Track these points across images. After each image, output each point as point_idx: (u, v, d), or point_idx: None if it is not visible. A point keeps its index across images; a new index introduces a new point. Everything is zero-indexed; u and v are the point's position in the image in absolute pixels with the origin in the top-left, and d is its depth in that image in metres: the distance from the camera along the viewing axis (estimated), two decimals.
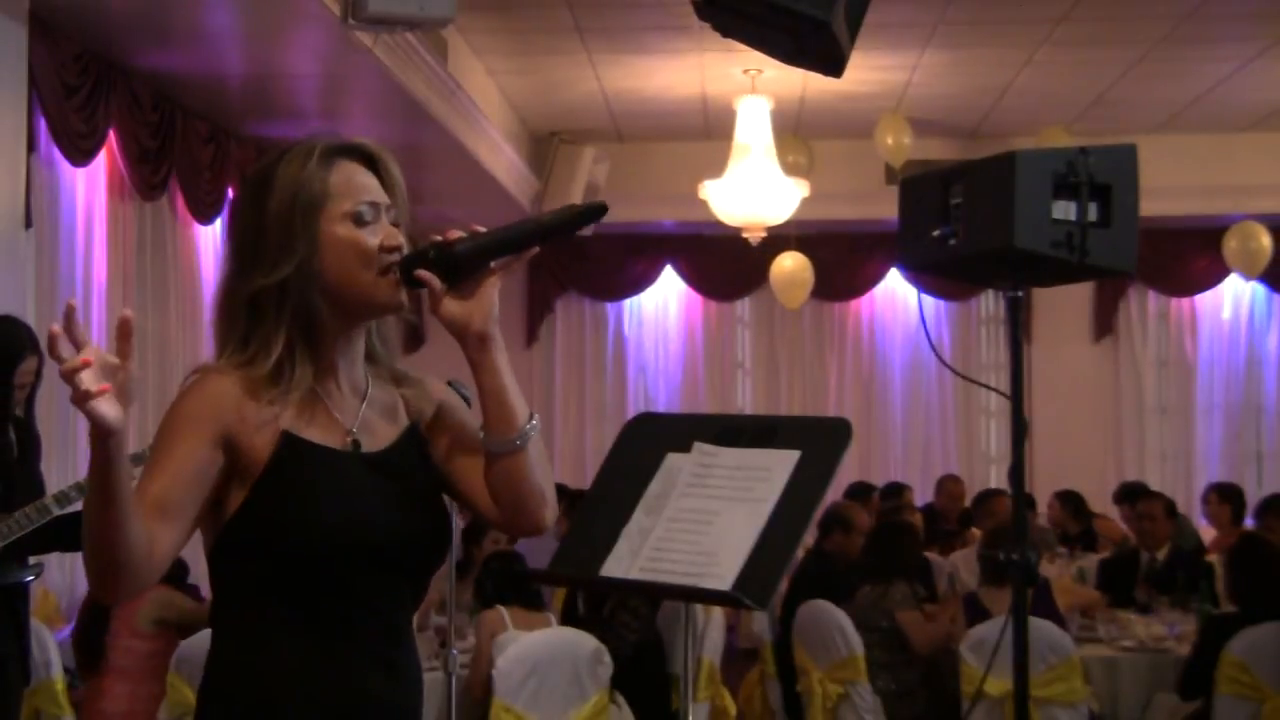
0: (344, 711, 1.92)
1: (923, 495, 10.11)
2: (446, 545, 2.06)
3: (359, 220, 1.95)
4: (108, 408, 1.67)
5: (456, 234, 1.95)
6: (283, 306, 1.92)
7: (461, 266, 1.93)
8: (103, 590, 1.84)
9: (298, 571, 1.90)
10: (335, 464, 1.94)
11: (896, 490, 9.35)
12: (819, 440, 2.03)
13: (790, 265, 9.82)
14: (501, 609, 5.01)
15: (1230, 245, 9.72)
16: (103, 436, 1.69)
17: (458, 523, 4.56)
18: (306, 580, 1.91)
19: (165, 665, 5.11)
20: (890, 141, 8.88)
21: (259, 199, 1.94)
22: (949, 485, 9.79)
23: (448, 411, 2.09)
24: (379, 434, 2.01)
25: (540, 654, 4.67)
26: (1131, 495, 8.30)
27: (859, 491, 8.65)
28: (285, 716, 1.90)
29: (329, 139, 1.99)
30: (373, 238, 1.95)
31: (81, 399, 1.65)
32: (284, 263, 1.91)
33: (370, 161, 2.00)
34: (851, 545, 6.60)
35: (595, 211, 2.00)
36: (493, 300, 1.95)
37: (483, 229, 1.96)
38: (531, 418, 1.99)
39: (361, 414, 2.00)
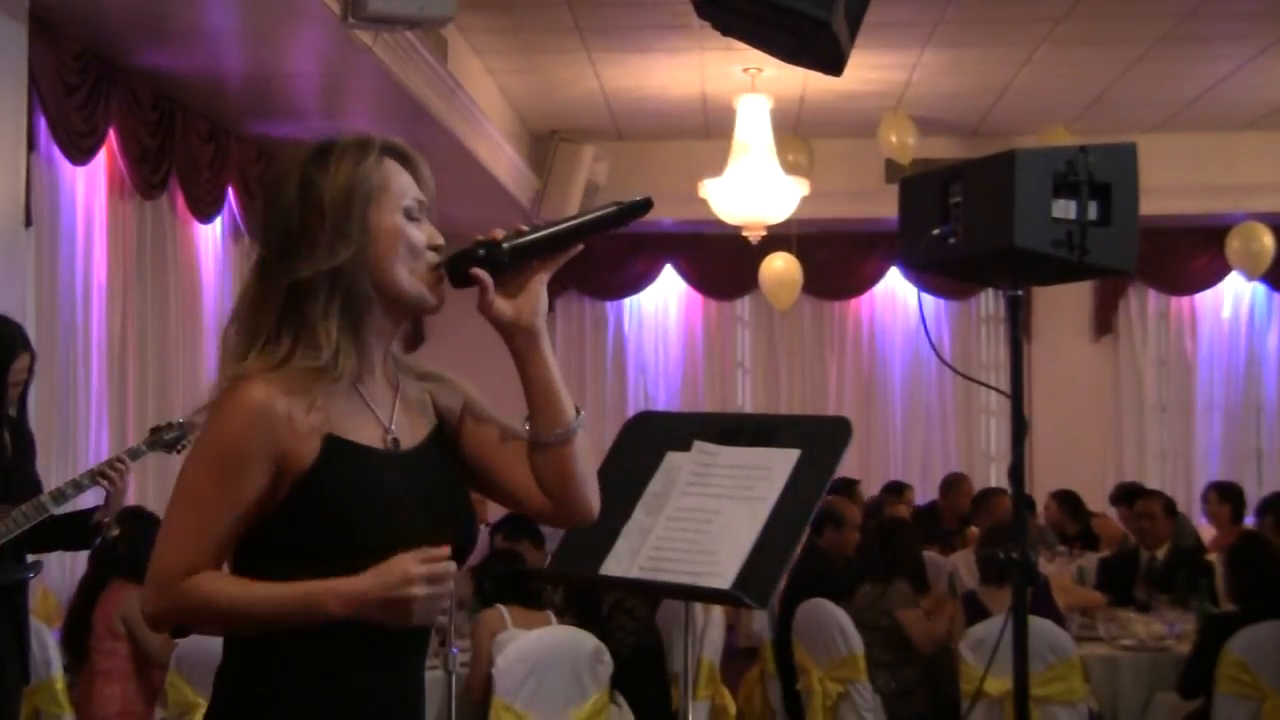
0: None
1: (922, 495, 10.11)
2: (474, 545, 2.06)
3: (409, 215, 1.97)
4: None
5: (501, 232, 1.96)
6: (333, 295, 1.91)
7: (509, 264, 1.95)
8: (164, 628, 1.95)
9: (329, 574, 1.87)
10: (375, 466, 1.94)
11: (897, 490, 9.34)
12: (819, 439, 2.03)
13: (780, 266, 9.81)
14: (501, 608, 5.01)
15: (1233, 245, 9.72)
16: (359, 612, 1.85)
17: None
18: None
19: (149, 662, 5.12)
20: (894, 139, 8.88)
21: (309, 188, 1.93)
22: (960, 484, 9.64)
23: (477, 407, 2.10)
24: (413, 430, 2.02)
25: (540, 653, 4.66)
26: (1129, 496, 8.30)
27: (842, 487, 8.54)
28: None
29: (380, 137, 2.01)
30: (420, 233, 1.97)
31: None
32: (341, 249, 1.90)
33: (407, 162, 2.03)
34: (845, 541, 6.61)
35: (640, 207, 2.00)
36: (541, 296, 1.98)
37: (525, 226, 1.98)
38: (579, 410, 2.02)
39: (396, 410, 2.01)
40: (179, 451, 4.38)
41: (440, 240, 1.99)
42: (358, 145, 1.97)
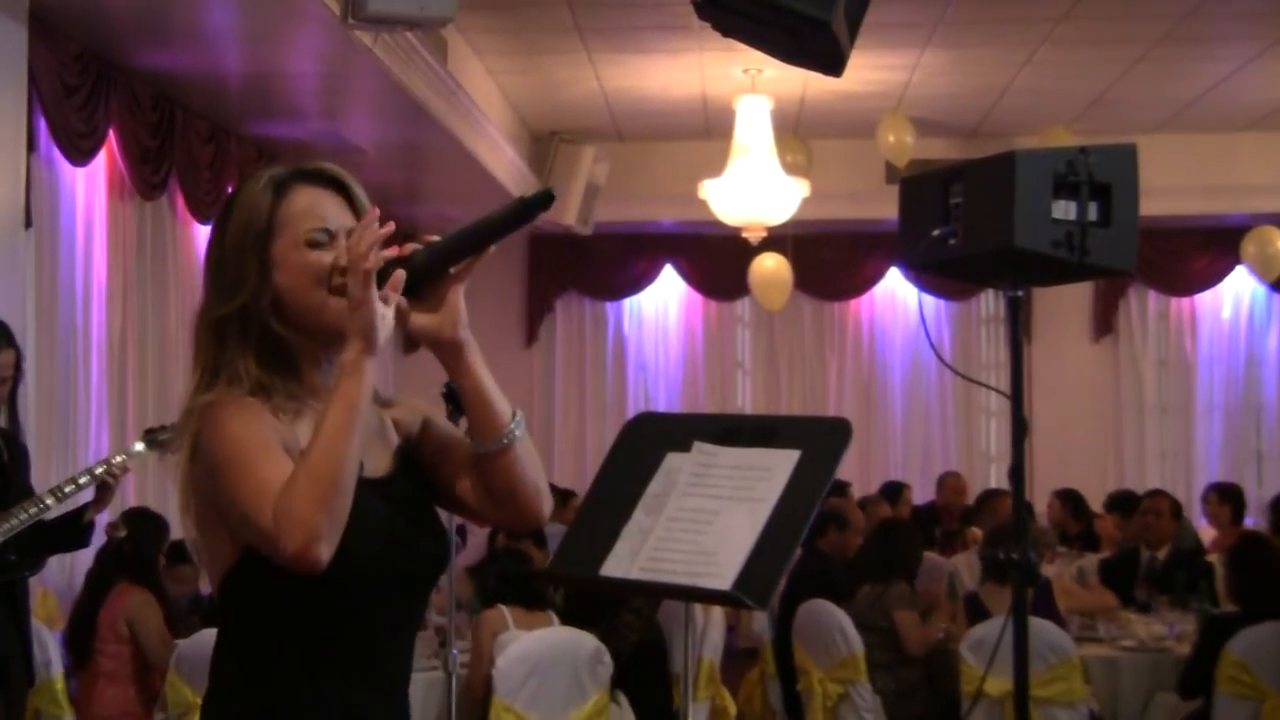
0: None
1: (922, 495, 10.11)
2: (445, 567, 2.07)
3: (314, 245, 1.94)
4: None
5: (411, 247, 1.92)
6: (246, 333, 1.93)
7: (421, 279, 1.91)
8: (326, 547, 1.76)
9: (320, 604, 1.88)
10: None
11: (896, 490, 9.32)
12: (819, 440, 2.03)
13: (770, 266, 9.80)
14: (503, 608, 5.01)
15: (1248, 249, 9.67)
16: (373, 346, 1.82)
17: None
18: (328, 613, 1.90)
19: (150, 665, 5.12)
20: (892, 140, 8.88)
21: (220, 228, 1.97)
22: (950, 481, 9.75)
23: (433, 424, 2.10)
24: (376, 458, 2.00)
25: (540, 654, 4.66)
26: (1123, 504, 8.29)
27: (834, 489, 8.49)
28: None
29: (288, 166, 2.00)
30: (328, 258, 1.94)
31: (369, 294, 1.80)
32: (239, 291, 1.92)
33: (330, 184, 2.00)
34: (847, 542, 6.60)
35: (543, 200, 1.95)
36: (459, 306, 1.94)
37: (436, 238, 1.94)
38: (515, 414, 1.99)
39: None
40: (174, 452, 4.39)
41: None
42: (252, 180, 1.98)
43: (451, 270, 1.94)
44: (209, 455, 1.86)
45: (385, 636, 1.97)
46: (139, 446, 4.35)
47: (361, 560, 1.87)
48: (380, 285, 1.86)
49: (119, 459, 4.25)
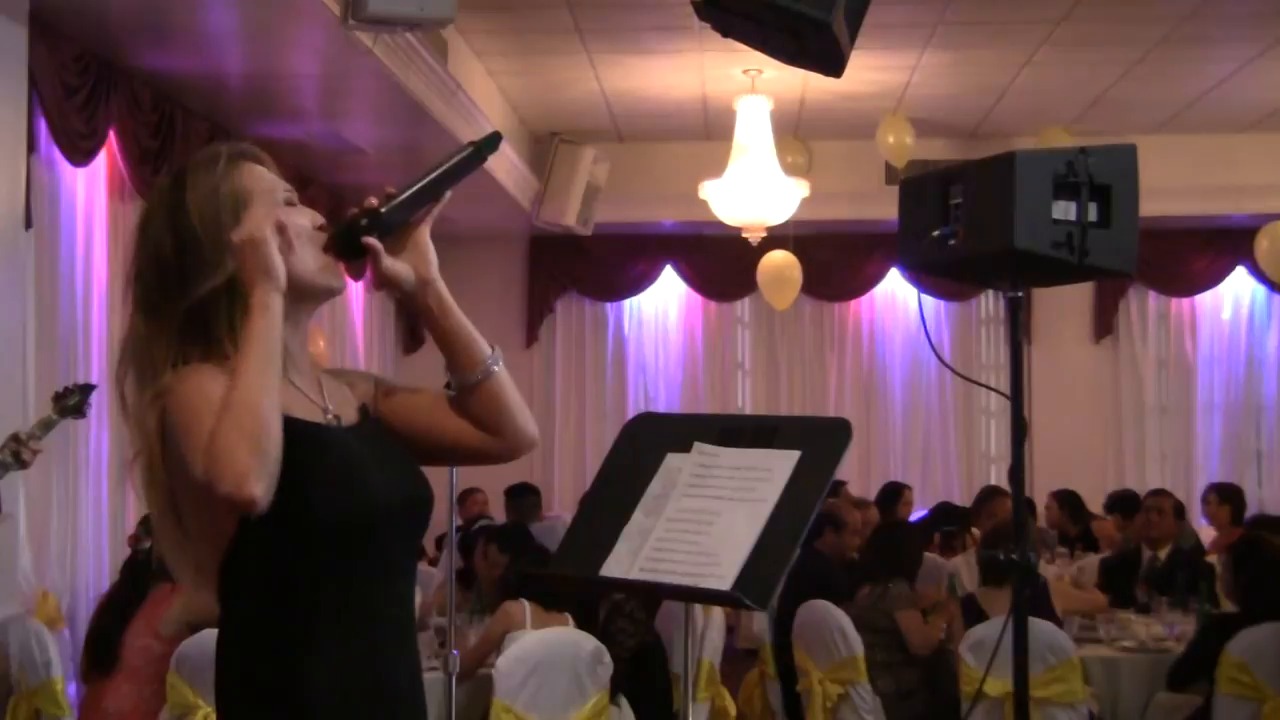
0: (385, 710, 1.97)
1: (921, 496, 10.10)
2: (433, 504, 2.10)
3: (288, 204, 2.02)
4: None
5: (374, 200, 1.99)
6: (233, 305, 1.94)
7: (394, 227, 1.99)
8: (258, 483, 1.76)
9: (331, 552, 1.91)
10: (336, 439, 1.98)
11: (895, 491, 9.29)
12: (819, 440, 2.03)
13: (779, 261, 9.77)
14: (525, 602, 5.03)
15: (1262, 245, 9.63)
16: (277, 283, 1.87)
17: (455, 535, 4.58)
18: (339, 559, 1.92)
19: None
20: (892, 141, 8.88)
21: (174, 214, 1.98)
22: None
23: (386, 383, 2.15)
24: (346, 411, 2.06)
25: (540, 654, 4.66)
26: (1125, 504, 8.28)
27: (831, 488, 8.41)
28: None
29: (226, 145, 2.06)
30: (305, 219, 2.01)
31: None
32: (228, 260, 1.93)
33: (261, 161, 2.07)
34: (844, 543, 6.60)
35: (492, 143, 2.06)
36: (429, 247, 2.03)
37: (393, 188, 2.01)
38: (493, 347, 2.07)
39: (325, 395, 2.05)
40: (83, 416, 4.42)
41: (322, 220, 2.03)
42: (206, 159, 2.02)
43: (412, 218, 2.02)
44: (172, 427, 1.88)
45: (391, 581, 2.01)
46: (54, 416, 4.33)
47: (361, 501, 1.93)
48: (354, 238, 1.96)
49: (35, 437, 4.23)
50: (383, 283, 2.01)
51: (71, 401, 4.31)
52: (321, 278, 2.00)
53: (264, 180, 2.02)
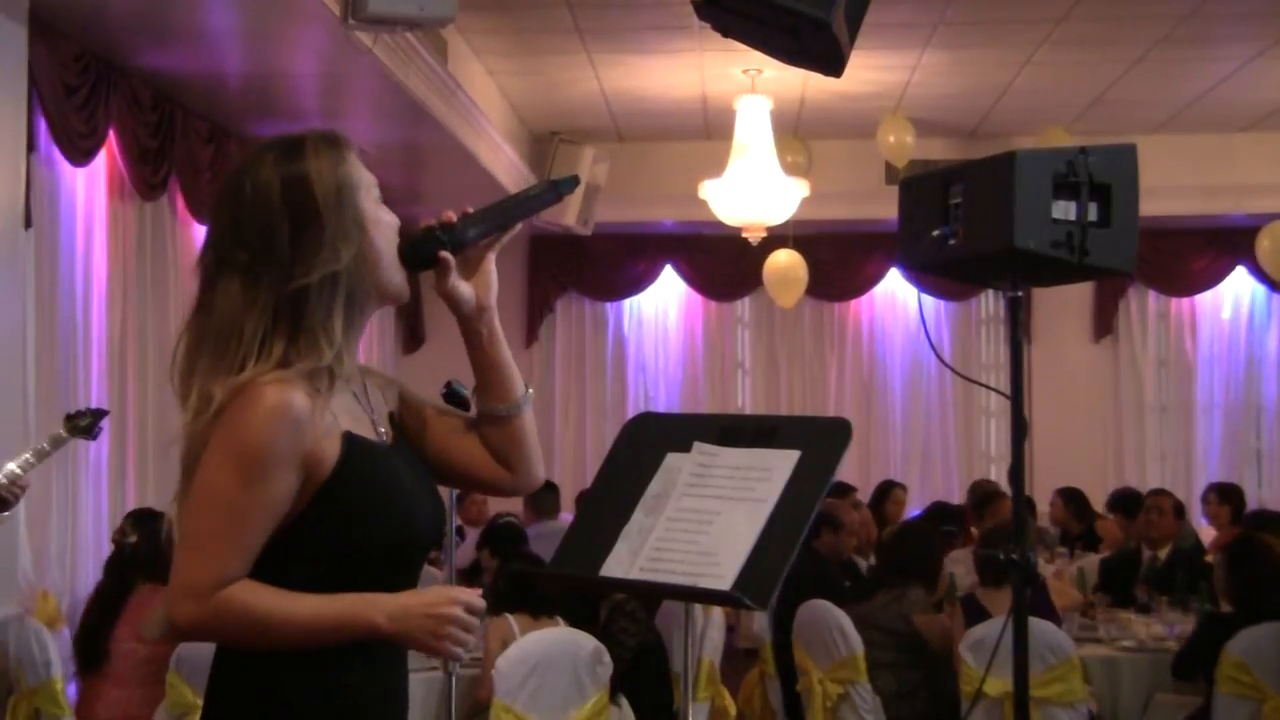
0: (392, 713, 1.98)
1: (921, 495, 10.09)
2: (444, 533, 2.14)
3: (383, 203, 2.00)
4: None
5: (452, 214, 1.98)
6: (335, 295, 1.87)
7: (465, 245, 1.99)
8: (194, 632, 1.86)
9: (378, 575, 1.90)
10: (387, 459, 1.96)
11: (884, 489, 9.26)
12: (819, 440, 2.03)
13: (784, 261, 9.77)
14: (509, 618, 4.99)
15: (1263, 245, 9.63)
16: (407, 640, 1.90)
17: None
18: (384, 581, 1.91)
19: (163, 670, 5.08)
20: (892, 140, 8.88)
21: (294, 189, 1.87)
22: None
23: (407, 394, 2.13)
24: (385, 423, 2.04)
25: (540, 654, 4.66)
26: (1126, 503, 8.28)
27: (837, 490, 8.44)
28: None
29: (333, 131, 1.98)
30: (393, 219, 1.99)
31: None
32: (344, 249, 1.88)
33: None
34: (842, 544, 6.58)
35: (571, 183, 2.09)
36: (493, 274, 2.02)
37: (470, 209, 2.01)
38: (527, 387, 2.09)
39: (372, 402, 2.03)
40: (94, 438, 4.39)
41: (399, 222, 2.02)
42: (329, 140, 1.94)
43: (482, 242, 2.01)
44: (213, 457, 1.83)
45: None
46: (64, 434, 4.30)
47: (397, 527, 1.92)
48: (429, 248, 1.95)
49: (30, 464, 4.16)
50: (444, 298, 1.98)
51: (84, 423, 4.28)
52: (404, 290, 1.99)
53: (366, 173, 1.97)
